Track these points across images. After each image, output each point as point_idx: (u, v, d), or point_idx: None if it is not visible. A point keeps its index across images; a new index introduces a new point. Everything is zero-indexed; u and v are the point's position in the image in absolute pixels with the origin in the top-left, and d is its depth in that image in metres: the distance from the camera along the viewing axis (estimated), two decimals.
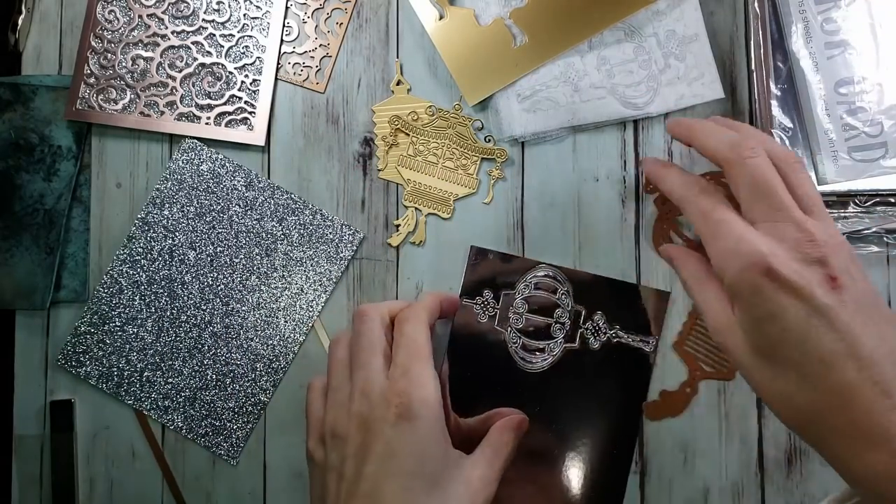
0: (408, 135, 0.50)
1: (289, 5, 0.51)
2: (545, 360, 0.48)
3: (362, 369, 0.37)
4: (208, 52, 0.50)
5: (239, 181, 0.50)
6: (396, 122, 0.50)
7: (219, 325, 0.49)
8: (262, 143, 0.50)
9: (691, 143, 0.39)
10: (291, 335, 0.49)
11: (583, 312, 0.49)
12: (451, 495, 0.34)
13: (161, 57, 0.50)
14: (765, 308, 0.33)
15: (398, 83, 0.50)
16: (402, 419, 0.34)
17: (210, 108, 0.50)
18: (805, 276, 0.32)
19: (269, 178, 0.50)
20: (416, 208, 0.50)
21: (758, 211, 0.34)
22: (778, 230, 0.33)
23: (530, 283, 0.49)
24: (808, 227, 0.33)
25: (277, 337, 0.49)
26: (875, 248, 0.48)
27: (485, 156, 0.50)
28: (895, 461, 0.29)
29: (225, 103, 0.50)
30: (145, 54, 0.50)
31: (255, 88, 0.50)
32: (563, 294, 0.49)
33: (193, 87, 0.50)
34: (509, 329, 0.49)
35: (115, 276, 0.49)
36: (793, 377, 0.32)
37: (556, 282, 0.49)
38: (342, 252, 0.49)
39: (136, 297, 0.49)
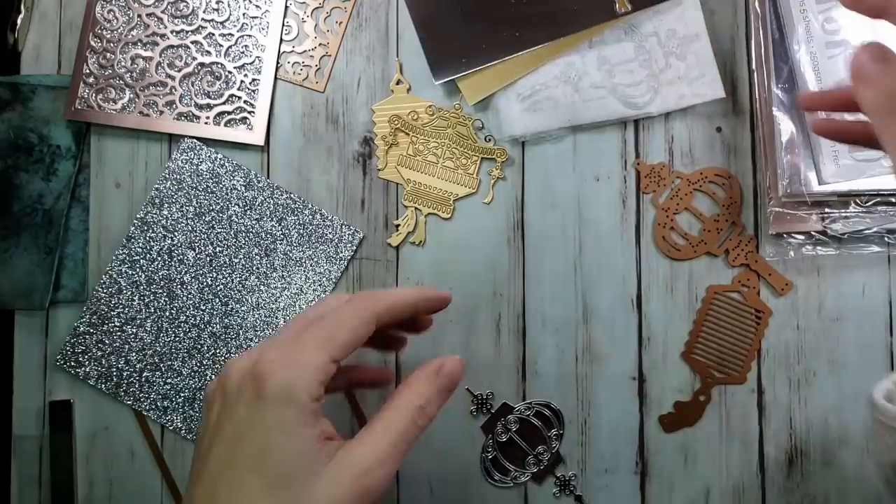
0: (408, 134, 0.50)
1: (288, 4, 0.50)
2: (506, 484, 0.48)
3: (283, 327, 0.32)
4: (207, 51, 0.50)
5: (238, 181, 0.49)
6: (396, 122, 0.50)
7: (218, 326, 0.49)
8: (261, 142, 0.50)
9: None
10: None
11: (563, 462, 0.48)
12: (306, 496, 0.28)
13: (160, 56, 0.49)
14: None
15: (398, 82, 0.50)
16: (260, 399, 0.29)
17: (209, 107, 0.50)
18: None
19: (268, 177, 0.50)
20: (415, 208, 0.50)
21: None
22: None
23: (534, 406, 0.48)
24: None
25: None
26: (876, 248, 0.47)
27: (485, 155, 0.50)
28: None
29: (224, 103, 0.50)
30: (144, 54, 0.49)
31: (254, 88, 0.50)
32: (555, 435, 0.48)
33: (193, 86, 0.50)
34: (491, 437, 0.48)
35: (115, 276, 0.49)
36: None
37: (556, 420, 0.48)
38: (342, 252, 0.49)
39: (136, 298, 0.49)
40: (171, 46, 0.50)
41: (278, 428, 0.29)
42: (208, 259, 0.49)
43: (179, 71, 0.49)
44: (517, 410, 0.48)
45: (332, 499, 0.29)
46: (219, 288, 0.49)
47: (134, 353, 0.49)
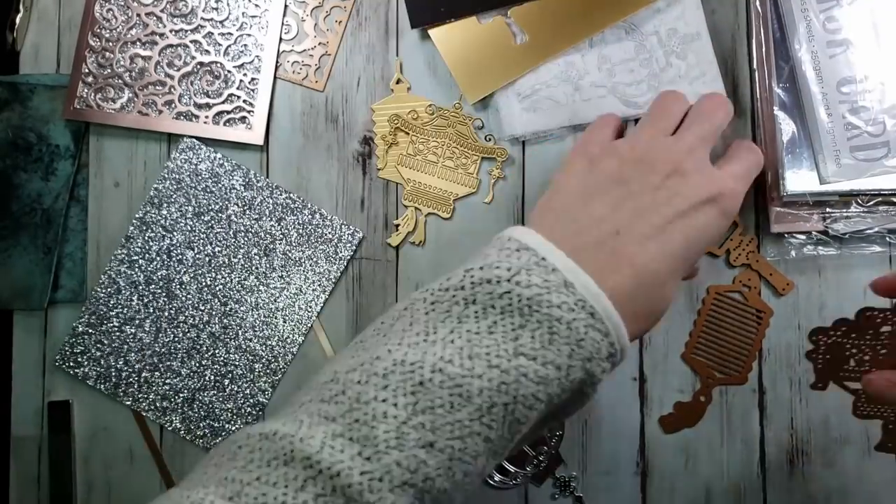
0: (407, 134, 0.50)
1: (287, 3, 0.50)
2: (506, 485, 0.48)
3: (696, 139, 0.38)
4: (207, 50, 0.50)
5: (237, 180, 0.49)
6: (396, 121, 0.50)
7: (217, 326, 0.49)
8: (260, 142, 0.49)
9: None
10: (290, 336, 0.49)
11: (563, 463, 0.48)
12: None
13: (159, 56, 0.49)
14: None
15: (398, 82, 0.50)
16: (717, 206, 0.36)
17: (208, 106, 0.49)
18: None
19: (267, 177, 0.50)
20: (415, 208, 0.50)
21: None
22: None
23: None
24: None
25: (276, 337, 0.49)
26: (878, 248, 0.47)
27: (485, 155, 0.50)
28: None
29: (223, 102, 0.49)
30: (143, 53, 0.49)
31: (253, 87, 0.50)
32: (555, 436, 0.48)
33: (192, 85, 0.49)
34: None
35: (113, 276, 0.49)
36: None
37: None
38: (341, 252, 0.49)
39: (134, 298, 0.49)
40: (170, 46, 0.49)
41: (716, 237, 0.37)
42: (207, 259, 0.49)
43: (178, 70, 0.49)
44: None
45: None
46: (218, 288, 0.49)
47: (133, 354, 0.48)
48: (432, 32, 0.49)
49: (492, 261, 0.33)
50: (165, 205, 0.49)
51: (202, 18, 0.50)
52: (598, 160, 0.38)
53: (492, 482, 0.48)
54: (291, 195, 0.49)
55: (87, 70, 0.49)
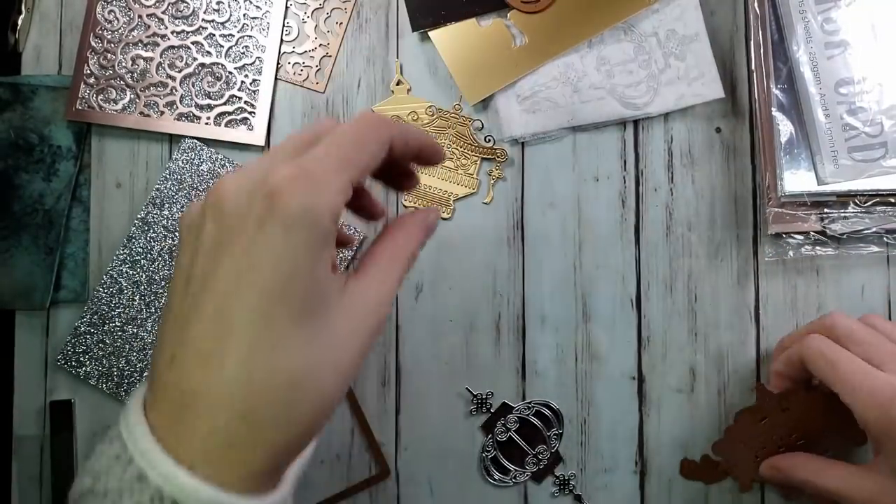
0: None
1: (288, 5, 0.51)
2: (506, 483, 0.48)
3: (281, 149, 0.27)
4: (208, 52, 0.50)
5: None
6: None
7: None
8: (262, 143, 0.50)
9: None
10: None
11: (562, 461, 0.49)
12: (327, 328, 0.26)
13: (161, 57, 0.50)
14: None
15: (398, 83, 0.50)
16: (273, 219, 0.25)
17: (210, 108, 0.50)
18: None
19: None
20: (416, 208, 0.50)
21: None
22: None
23: (534, 405, 0.48)
24: None
25: None
26: (875, 249, 0.48)
27: (485, 156, 0.50)
28: None
29: (225, 103, 0.50)
30: (145, 54, 0.49)
31: (254, 88, 0.50)
32: (555, 435, 0.48)
33: (193, 87, 0.50)
34: (490, 437, 0.48)
35: (115, 276, 0.49)
36: None
37: (556, 420, 0.49)
38: (342, 252, 0.49)
39: (136, 297, 0.49)
40: (172, 47, 0.50)
41: (304, 251, 0.25)
42: None
43: (180, 71, 0.50)
44: (517, 410, 0.48)
45: (351, 332, 0.27)
46: None
47: (135, 353, 0.49)
48: (432, 34, 0.49)
49: (90, 464, 0.25)
50: (167, 205, 0.49)
51: (203, 20, 0.50)
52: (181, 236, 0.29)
53: (491, 480, 0.48)
54: None
55: (88, 71, 0.49)
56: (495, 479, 0.48)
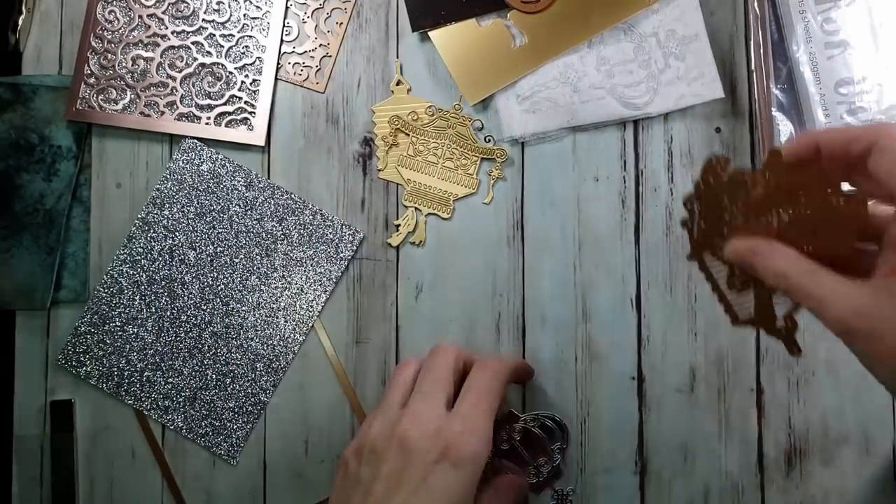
0: (408, 135, 0.50)
1: (289, 5, 0.51)
2: None
3: (423, 397, 0.38)
4: (208, 52, 0.50)
5: (239, 181, 0.50)
6: (396, 122, 0.50)
7: (219, 325, 0.49)
8: (262, 143, 0.50)
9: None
10: (291, 335, 0.49)
11: (562, 475, 0.48)
12: None
13: (161, 57, 0.50)
14: None
15: (398, 83, 0.50)
16: (448, 461, 0.35)
17: (210, 108, 0.50)
18: None
19: (268, 178, 0.50)
20: (416, 208, 0.50)
21: None
22: None
23: (540, 417, 0.48)
24: None
25: (277, 337, 0.49)
26: (874, 248, 0.47)
27: (485, 156, 0.50)
28: None
29: (225, 103, 0.50)
30: (145, 54, 0.50)
31: (255, 88, 0.50)
32: (557, 449, 0.48)
33: (193, 87, 0.50)
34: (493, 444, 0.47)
35: (116, 276, 0.49)
36: None
37: (560, 434, 0.48)
38: (342, 252, 0.49)
39: (137, 297, 0.49)
40: (172, 47, 0.50)
41: (468, 484, 0.36)
42: (209, 259, 0.49)
43: (180, 72, 0.50)
44: (522, 420, 0.47)
45: None
46: (220, 288, 0.49)
47: (135, 353, 0.49)
48: (432, 34, 0.49)
49: None
50: (167, 205, 0.49)
51: (204, 20, 0.50)
52: (347, 465, 0.39)
53: None
54: (292, 196, 0.50)
55: (89, 71, 0.49)
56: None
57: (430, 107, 0.50)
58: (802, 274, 0.30)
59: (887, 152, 0.29)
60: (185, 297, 0.49)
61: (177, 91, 0.50)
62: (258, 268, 0.49)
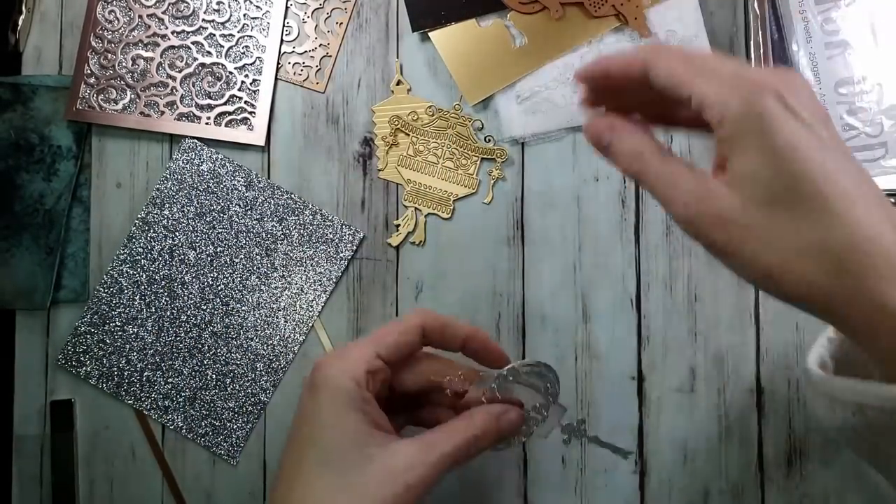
0: (408, 135, 0.50)
1: (289, 5, 0.51)
2: (503, 447, 0.39)
3: (355, 342, 0.37)
4: (208, 52, 0.50)
5: (239, 181, 0.50)
6: (396, 122, 0.50)
7: (219, 325, 0.49)
8: (262, 143, 0.50)
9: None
10: (291, 335, 0.49)
11: (565, 410, 0.40)
12: (355, 475, 0.32)
13: (161, 57, 0.50)
14: (782, 137, 0.27)
15: (398, 83, 0.50)
16: (309, 390, 0.34)
17: (210, 108, 0.50)
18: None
19: (269, 178, 0.50)
20: (416, 208, 0.50)
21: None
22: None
23: (517, 369, 0.39)
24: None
25: (277, 337, 0.49)
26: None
27: (485, 156, 0.50)
28: None
29: (225, 103, 0.50)
30: (145, 54, 0.50)
31: (255, 88, 0.50)
32: (552, 389, 0.40)
33: (193, 87, 0.50)
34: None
35: (116, 275, 0.49)
36: (823, 218, 0.26)
37: (547, 375, 0.40)
38: (342, 252, 0.49)
39: (137, 297, 0.49)
40: (172, 47, 0.50)
41: (328, 410, 0.33)
42: (209, 259, 0.49)
43: (180, 71, 0.50)
44: (497, 376, 0.39)
45: (381, 483, 0.31)
46: (220, 288, 0.49)
47: (135, 353, 0.49)
48: (432, 35, 0.49)
49: None
50: (167, 205, 0.49)
51: (204, 20, 0.50)
52: None
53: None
54: (292, 196, 0.50)
55: (89, 71, 0.49)
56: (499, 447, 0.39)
57: (430, 107, 0.50)
58: (653, 156, 0.30)
59: (661, 65, 0.30)
60: (185, 297, 0.49)
61: (177, 91, 0.50)
62: (258, 268, 0.49)
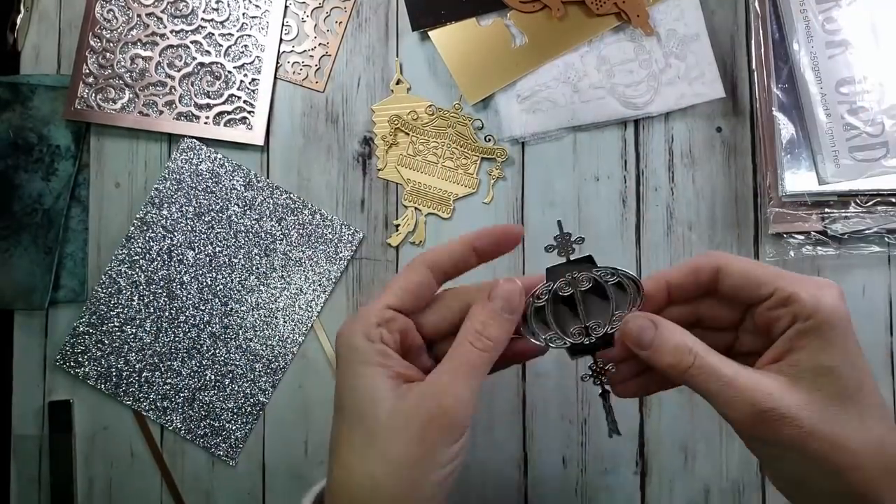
0: (407, 134, 0.50)
1: (288, 4, 0.50)
2: (537, 342, 0.36)
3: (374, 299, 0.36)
4: (207, 51, 0.50)
5: (238, 181, 0.49)
6: (396, 122, 0.50)
7: (218, 326, 0.49)
8: (261, 142, 0.50)
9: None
10: (290, 335, 0.49)
11: (612, 346, 0.37)
12: (379, 424, 0.31)
13: (160, 56, 0.49)
14: (853, 337, 0.30)
15: (398, 82, 0.50)
16: (336, 358, 0.34)
17: (209, 107, 0.50)
18: None
19: (268, 177, 0.50)
20: (415, 208, 0.50)
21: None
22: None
23: (619, 274, 0.36)
24: None
25: (276, 337, 0.49)
26: (876, 248, 0.47)
27: (485, 155, 0.50)
28: None
29: (224, 102, 0.50)
30: (144, 53, 0.49)
31: (254, 88, 0.50)
32: (618, 318, 0.36)
33: (192, 86, 0.50)
34: (550, 284, 0.36)
35: (114, 276, 0.49)
36: (881, 414, 0.30)
37: (635, 297, 0.36)
38: (341, 252, 0.49)
39: (135, 298, 0.49)
40: (171, 46, 0.50)
41: (347, 373, 0.33)
42: (208, 259, 0.49)
43: (179, 71, 0.49)
44: (597, 271, 0.36)
45: (399, 427, 0.31)
46: (218, 288, 0.49)
47: (133, 354, 0.49)
48: (432, 34, 0.49)
49: None
50: (166, 205, 0.49)
51: (203, 19, 0.50)
52: None
53: (524, 331, 0.36)
54: (292, 195, 0.49)
55: (87, 70, 0.49)
56: (529, 332, 0.37)
57: (430, 106, 0.50)
58: (707, 352, 0.32)
59: (733, 272, 0.33)
60: (184, 298, 0.49)
61: (175, 90, 0.49)
62: (257, 268, 0.49)
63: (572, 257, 0.37)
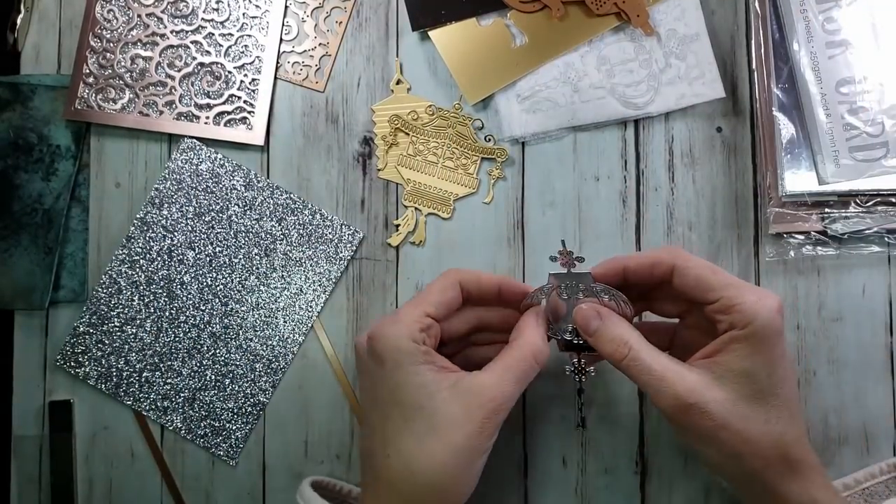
0: (408, 134, 0.50)
1: (288, 4, 0.50)
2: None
3: (406, 304, 0.40)
4: (207, 51, 0.50)
5: (238, 181, 0.49)
6: (396, 122, 0.50)
7: (218, 326, 0.49)
8: (261, 142, 0.50)
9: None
10: (291, 335, 0.49)
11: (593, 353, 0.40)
12: (436, 416, 0.35)
13: (160, 56, 0.49)
14: (780, 347, 0.35)
15: (398, 82, 0.50)
16: (372, 357, 0.38)
17: (209, 107, 0.50)
18: None
19: (268, 177, 0.50)
20: (415, 208, 0.50)
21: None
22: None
23: (615, 294, 0.39)
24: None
25: (277, 337, 0.49)
26: (876, 249, 0.47)
27: (485, 155, 0.50)
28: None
29: (224, 103, 0.50)
30: (144, 53, 0.49)
31: (254, 88, 0.50)
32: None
33: (192, 86, 0.50)
34: (550, 287, 0.40)
35: (114, 276, 0.49)
36: (785, 414, 0.35)
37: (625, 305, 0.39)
38: (341, 252, 0.49)
39: (135, 298, 0.49)
40: (171, 46, 0.50)
41: (398, 371, 0.36)
42: (208, 259, 0.49)
43: (179, 71, 0.49)
44: (593, 285, 0.39)
45: (459, 416, 0.35)
46: (218, 288, 0.49)
47: (134, 353, 0.49)
48: (432, 34, 0.49)
49: None
50: (166, 205, 0.49)
51: (203, 19, 0.50)
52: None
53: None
54: (292, 195, 0.49)
55: (87, 70, 0.49)
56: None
57: (430, 106, 0.50)
58: (642, 346, 0.37)
59: (688, 275, 0.38)
60: (184, 298, 0.49)
61: (176, 90, 0.49)
62: (257, 268, 0.49)
63: (573, 271, 0.41)
